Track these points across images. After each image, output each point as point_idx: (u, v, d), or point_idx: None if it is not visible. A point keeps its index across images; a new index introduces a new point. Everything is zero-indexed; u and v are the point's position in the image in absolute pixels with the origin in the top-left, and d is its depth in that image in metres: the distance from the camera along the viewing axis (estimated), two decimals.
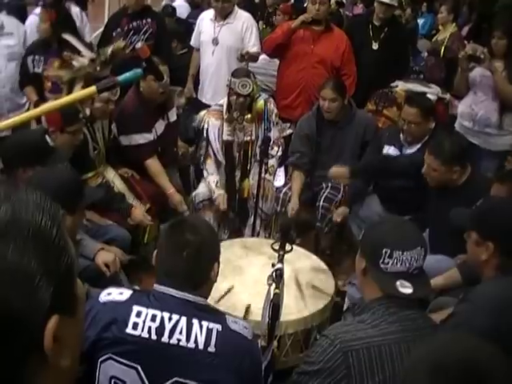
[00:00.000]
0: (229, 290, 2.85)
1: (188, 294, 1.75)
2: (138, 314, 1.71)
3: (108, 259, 2.81)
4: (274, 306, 2.09)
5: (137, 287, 3.60)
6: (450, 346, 1.12)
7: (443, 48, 6.05)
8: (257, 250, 3.39)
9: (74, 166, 3.50)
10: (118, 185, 3.84)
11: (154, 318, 1.70)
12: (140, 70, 2.20)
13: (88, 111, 3.66)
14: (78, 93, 2.24)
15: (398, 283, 1.76)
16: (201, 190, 4.10)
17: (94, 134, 3.80)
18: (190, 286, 1.76)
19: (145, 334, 1.69)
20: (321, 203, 3.99)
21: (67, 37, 4.24)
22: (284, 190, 4.15)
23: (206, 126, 4.05)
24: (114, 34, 4.62)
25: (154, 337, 1.69)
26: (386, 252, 1.77)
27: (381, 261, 1.78)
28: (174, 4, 7.57)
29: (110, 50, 3.74)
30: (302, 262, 3.20)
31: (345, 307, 3.38)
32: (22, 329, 0.62)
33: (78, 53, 4.08)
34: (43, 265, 0.64)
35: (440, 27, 6.92)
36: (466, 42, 5.78)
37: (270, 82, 5.24)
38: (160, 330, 1.69)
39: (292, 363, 2.92)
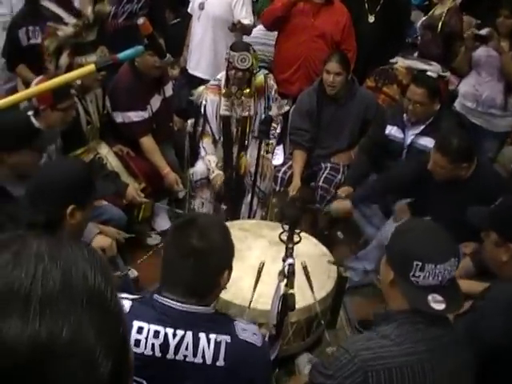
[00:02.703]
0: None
1: (193, 305, 1.61)
2: (140, 331, 1.59)
3: (104, 244, 2.71)
4: (288, 306, 2.00)
5: (131, 271, 3.52)
6: None
7: (441, 23, 5.91)
8: (256, 233, 3.31)
9: (65, 142, 3.38)
10: (112, 162, 3.70)
11: (156, 335, 1.59)
12: (141, 47, 2.09)
13: (79, 81, 3.46)
14: (77, 71, 2.09)
15: (429, 298, 1.62)
16: (199, 168, 3.99)
17: (87, 107, 3.64)
18: (195, 298, 1.62)
19: (148, 352, 1.58)
20: (320, 184, 3.89)
21: (47, 3, 4.01)
22: (283, 169, 4.04)
23: (204, 103, 3.92)
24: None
25: (158, 354, 1.58)
26: (417, 265, 1.62)
27: (411, 274, 1.63)
28: None
29: (91, 12, 3.54)
30: (304, 246, 3.11)
31: None
32: None
33: (61, 20, 3.87)
34: (101, 338, 0.56)
35: (436, 0, 6.76)
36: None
37: (269, 51, 5.02)
38: (164, 347, 1.58)
39: (293, 351, 2.89)
